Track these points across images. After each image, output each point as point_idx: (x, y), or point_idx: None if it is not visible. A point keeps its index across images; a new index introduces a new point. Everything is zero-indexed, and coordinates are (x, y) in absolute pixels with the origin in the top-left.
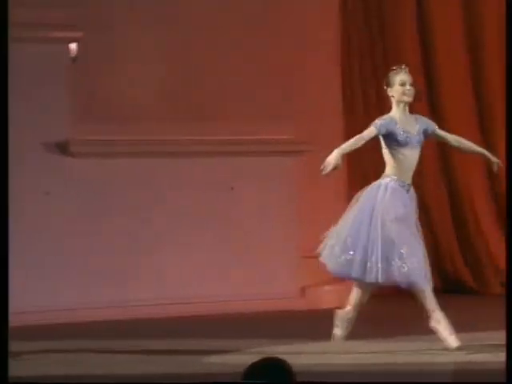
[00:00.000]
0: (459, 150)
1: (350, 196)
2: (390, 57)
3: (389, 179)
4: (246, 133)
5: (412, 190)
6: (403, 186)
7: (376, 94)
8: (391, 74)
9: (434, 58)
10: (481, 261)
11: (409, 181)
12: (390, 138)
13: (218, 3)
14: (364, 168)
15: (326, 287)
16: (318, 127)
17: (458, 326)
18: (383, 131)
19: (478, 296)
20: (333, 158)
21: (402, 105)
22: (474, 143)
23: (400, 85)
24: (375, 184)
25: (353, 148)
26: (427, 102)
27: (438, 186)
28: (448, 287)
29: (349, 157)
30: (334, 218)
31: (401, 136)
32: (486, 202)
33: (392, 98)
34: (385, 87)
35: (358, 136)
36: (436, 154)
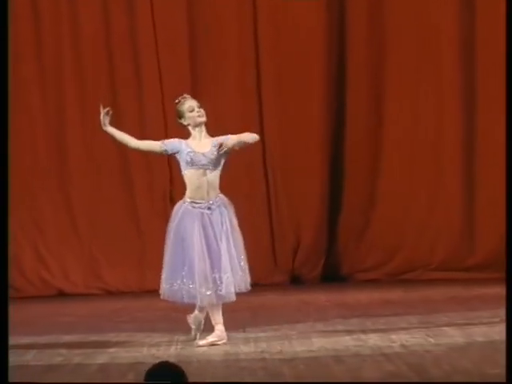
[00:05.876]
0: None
1: None
2: None
3: (182, 202)
4: None
5: (220, 203)
6: (198, 206)
7: None
8: (177, 106)
9: None
10: None
11: (207, 198)
12: (181, 160)
13: None
14: None
15: None
16: None
17: None
18: (169, 149)
19: None
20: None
21: (197, 128)
22: None
23: (190, 111)
24: (176, 207)
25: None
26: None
27: None
28: None
29: None
30: None
31: (186, 155)
32: None
33: (189, 127)
34: (178, 120)
35: (149, 141)
36: None
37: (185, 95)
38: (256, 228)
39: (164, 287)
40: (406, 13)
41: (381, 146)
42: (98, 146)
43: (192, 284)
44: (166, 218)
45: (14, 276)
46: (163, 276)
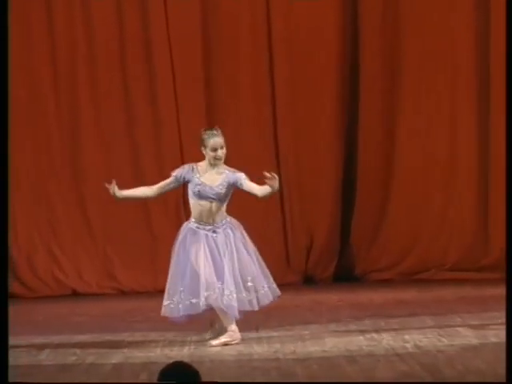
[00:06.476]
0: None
1: None
2: None
3: (188, 223)
4: None
5: (227, 226)
6: (204, 228)
7: None
8: (205, 136)
9: None
10: None
11: (212, 222)
12: (190, 189)
13: None
14: None
15: None
16: None
17: None
18: (181, 180)
19: None
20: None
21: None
22: None
23: (212, 150)
24: (181, 227)
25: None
26: None
27: None
28: None
29: None
30: None
31: (194, 187)
32: None
33: (206, 156)
34: (200, 145)
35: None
36: None
37: (214, 131)
38: (269, 228)
39: (163, 304)
40: (421, 16)
41: (394, 147)
42: (112, 149)
43: (191, 297)
44: (178, 220)
45: (27, 276)
46: (164, 294)
